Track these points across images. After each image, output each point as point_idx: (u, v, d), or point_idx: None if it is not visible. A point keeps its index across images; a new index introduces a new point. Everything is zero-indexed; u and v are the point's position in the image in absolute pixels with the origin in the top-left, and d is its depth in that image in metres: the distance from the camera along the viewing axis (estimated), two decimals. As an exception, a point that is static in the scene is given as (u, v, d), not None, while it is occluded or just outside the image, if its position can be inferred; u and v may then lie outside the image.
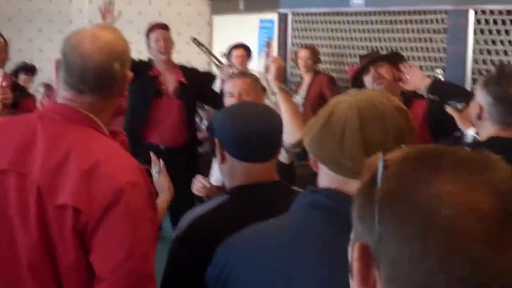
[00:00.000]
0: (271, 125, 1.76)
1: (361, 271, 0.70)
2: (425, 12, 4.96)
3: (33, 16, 7.86)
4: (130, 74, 1.65)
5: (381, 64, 3.40)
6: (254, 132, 1.70)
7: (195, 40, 4.99)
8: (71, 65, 1.58)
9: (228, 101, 3.08)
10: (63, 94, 1.61)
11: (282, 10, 6.53)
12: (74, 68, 1.57)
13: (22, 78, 5.75)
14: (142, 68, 4.29)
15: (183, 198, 3.89)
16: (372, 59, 3.60)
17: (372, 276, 0.69)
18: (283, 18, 6.53)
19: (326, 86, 5.33)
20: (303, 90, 5.43)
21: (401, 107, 1.32)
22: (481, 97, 2.40)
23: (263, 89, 3.21)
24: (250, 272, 1.31)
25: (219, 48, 7.67)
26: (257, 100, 3.06)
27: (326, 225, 1.25)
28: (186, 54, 6.61)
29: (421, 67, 4.99)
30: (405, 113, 1.31)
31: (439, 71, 4.85)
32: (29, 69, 5.92)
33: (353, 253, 0.72)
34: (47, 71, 7.78)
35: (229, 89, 3.10)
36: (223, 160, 1.73)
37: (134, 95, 4.34)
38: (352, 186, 1.24)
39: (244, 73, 3.24)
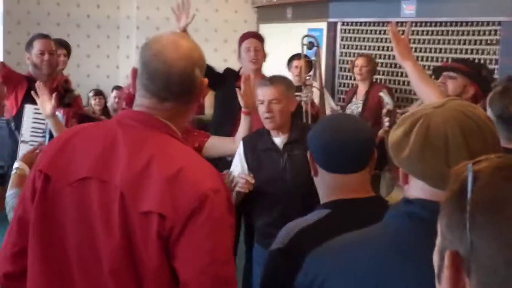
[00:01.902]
0: (358, 135, 1.78)
1: (452, 278, 0.75)
2: (477, 23, 5.05)
3: (81, 22, 8.17)
4: (205, 80, 1.72)
5: (452, 76, 3.37)
6: (338, 142, 1.75)
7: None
8: (154, 73, 1.63)
9: (259, 108, 3.23)
10: (141, 101, 1.67)
11: (331, 19, 6.66)
12: (158, 76, 1.63)
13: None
14: (229, 77, 4.31)
15: None
16: (447, 66, 3.57)
17: (462, 283, 0.74)
18: (332, 27, 6.66)
19: None
20: (359, 100, 5.52)
21: (488, 116, 1.36)
22: (489, 114, 2.51)
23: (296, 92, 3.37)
24: (344, 281, 1.35)
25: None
26: (288, 105, 3.21)
27: (422, 236, 1.27)
28: (231, 61, 6.82)
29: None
30: (492, 121, 1.35)
31: (490, 83, 4.93)
32: (61, 44, 5.55)
33: (439, 260, 0.78)
34: (94, 76, 8.10)
35: (259, 96, 3.22)
36: (315, 173, 1.81)
37: (222, 106, 4.37)
38: None
39: (276, 79, 3.30)
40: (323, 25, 6.83)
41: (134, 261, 1.54)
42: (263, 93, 3.20)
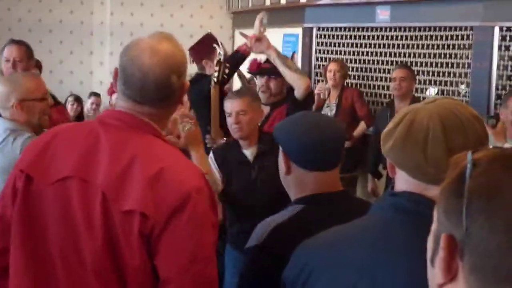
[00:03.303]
0: (335, 132, 1.89)
1: (446, 259, 0.79)
2: (450, 28, 5.25)
3: (54, 27, 8.25)
4: (187, 84, 1.74)
5: (273, 77, 4.09)
6: (320, 141, 1.83)
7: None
8: (129, 78, 1.66)
9: (228, 120, 3.40)
10: (121, 104, 1.70)
11: (306, 25, 6.82)
12: (133, 81, 1.66)
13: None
14: (202, 81, 4.31)
15: None
16: (270, 69, 4.22)
17: (455, 265, 0.78)
18: (307, 33, 6.81)
19: (357, 100, 5.65)
20: (332, 104, 5.71)
21: (477, 115, 1.41)
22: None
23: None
24: (332, 272, 1.40)
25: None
26: (255, 117, 3.41)
27: (407, 227, 1.33)
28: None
29: (445, 82, 5.30)
30: (480, 120, 1.41)
31: (463, 86, 5.15)
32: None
33: (434, 244, 0.83)
34: (68, 83, 8.18)
35: (227, 109, 3.40)
36: (288, 171, 1.86)
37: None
38: (431, 191, 1.34)
39: (242, 92, 3.50)
40: (298, 31, 6.97)
41: (116, 261, 1.57)
42: (231, 106, 3.39)
